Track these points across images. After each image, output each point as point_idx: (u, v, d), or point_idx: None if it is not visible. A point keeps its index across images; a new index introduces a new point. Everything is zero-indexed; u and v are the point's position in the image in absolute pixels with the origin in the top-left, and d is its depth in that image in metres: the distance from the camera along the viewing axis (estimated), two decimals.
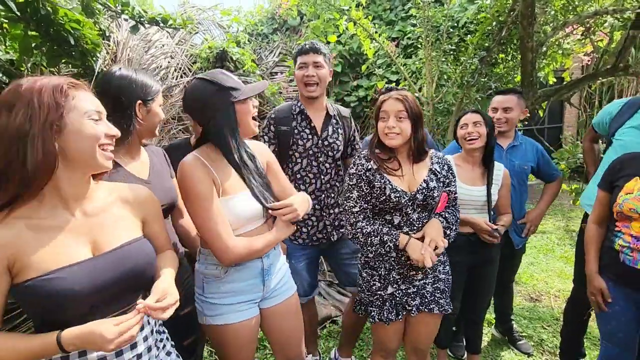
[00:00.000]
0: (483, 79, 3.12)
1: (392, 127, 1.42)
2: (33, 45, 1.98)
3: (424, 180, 1.48)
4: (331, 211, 1.91)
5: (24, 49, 1.95)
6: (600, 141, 2.22)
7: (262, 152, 1.42)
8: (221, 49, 3.38)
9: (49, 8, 1.84)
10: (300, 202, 1.36)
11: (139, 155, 1.38)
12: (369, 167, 1.48)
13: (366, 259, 1.58)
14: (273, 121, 1.89)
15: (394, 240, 1.43)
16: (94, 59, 2.33)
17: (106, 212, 0.94)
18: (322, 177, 1.87)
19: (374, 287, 1.54)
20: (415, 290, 1.53)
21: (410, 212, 1.48)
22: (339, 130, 1.91)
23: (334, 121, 1.90)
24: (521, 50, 2.45)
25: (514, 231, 2.20)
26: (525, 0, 2.19)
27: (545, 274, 3.55)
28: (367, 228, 1.47)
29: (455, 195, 1.57)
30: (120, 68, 1.26)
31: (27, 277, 0.80)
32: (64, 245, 0.85)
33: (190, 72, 3.31)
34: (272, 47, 4.47)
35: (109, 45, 2.68)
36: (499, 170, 1.90)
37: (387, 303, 1.52)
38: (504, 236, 2.12)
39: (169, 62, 3.15)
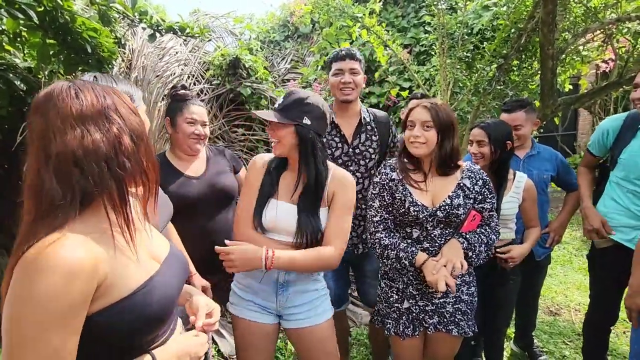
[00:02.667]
0: (500, 87, 3.06)
1: (417, 136, 1.38)
2: (51, 53, 1.99)
3: (449, 196, 1.41)
4: (360, 223, 1.86)
5: (42, 57, 1.96)
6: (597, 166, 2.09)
7: (343, 184, 1.33)
8: (234, 56, 3.38)
9: (67, 17, 1.85)
10: (241, 253, 1.21)
11: None
12: (393, 177, 1.45)
13: (386, 270, 1.55)
14: None
15: (410, 258, 1.38)
16: (110, 66, 2.35)
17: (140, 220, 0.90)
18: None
19: (391, 299, 1.51)
20: (433, 308, 1.47)
21: (430, 228, 1.42)
22: (373, 137, 1.83)
23: (369, 127, 1.83)
24: (541, 57, 2.39)
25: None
26: (546, 7, 2.14)
27: (564, 286, 3.44)
28: (385, 240, 1.43)
29: (491, 213, 1.48)
30: (95, 77, 1.12)
31: (113, 298, 0.70)
32: (136, 255, 0.79)
33: (204, 79, 3.32)
34: (284, 54, 4.47)
35: (124, 53, 2.69)
36: (521, 181, 1.80)
37: (403, 317, 1.48)
38: None
39: (182, 70, 3.16)
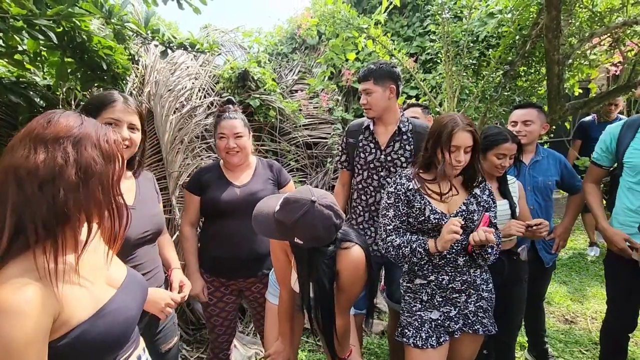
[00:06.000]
0: (506, 93, 3.07)
1: (461, 161, 1.43)
2: (68, 71, 2.08)
3: (464, 203, 1.48)
4: None
5: (60, 75, 2.05)
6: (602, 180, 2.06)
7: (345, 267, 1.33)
8: (243, 69, 3.46)
9: (84, 36, 1.94)
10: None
11: (123, 182, 1.37)
12: (410, 187, 1.50)
13: (408, 284, 1.57)
14: (345, 133, 2.07)
15: (423, 244, 1.43)
16: (124, 82, 2.44)
17: (97, 247, 0.89)
18: (383, 191, 1.89)
19: (414, 309, 1.53)
20: (456, 311, 1.50)
21: None
22: (407, 146, 1.91)
23: (404, 137, 1.91)
24: (547, 63, 2.39)
25: (542, 249, 2.12)
26: (550, 13, 2.16)
27: (580, 294, 3.36)
28: (397, 240, 1.48)
29: (495, 221, 1.55)
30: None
31: (70, 326, 0.72)
32: (89, 285, 0.80)
33: (214, 92, 3.40)
34: (292, 65, 4.55)
35: (137, 69, 2.79)
36: (513, 181, 1.89)
37: (425, 325, 1.49)
38: (532, 254, 2.06)
39: (193, 83, 3.24)
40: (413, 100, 3.87)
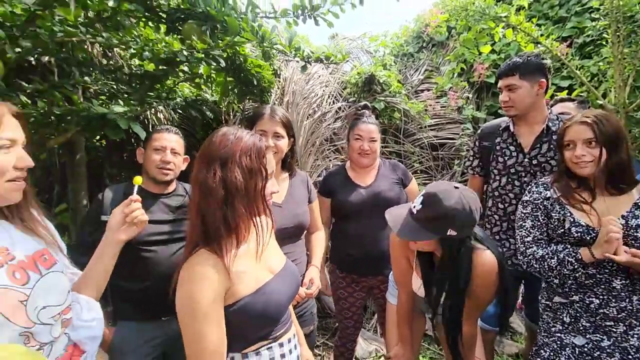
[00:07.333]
0: None
1: (582, 155, 1.27)
2: (229, 87, 2.55)
3: (623, 216, 1.24)
4: None
5: (224, 92, 2.53)
6: None
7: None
8: (369, 73, 3.57)
9: (241, 59, 2.34)
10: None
11: (277, 180, 1.61)
12: (548, 195, 1.37)
13: (547, 302, 1.41)
14: (478, 137, 1.93)
15: (574, 254, 1.25)
16: (269, 94, 2.84)
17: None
18: None
19: (553, 329, 1.36)
20: (611, 343, 1.25)
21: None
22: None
23: (554, 137, 1.68)
24: None
25: None
26: None
27: None
28: (539, 252, 1.33)
29: None
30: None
31: (235, 298, 0.90)
32: (254, 268, 0.98)
33: (341, 97, 3.61)
34: (418, 65, 4.44)
35: (279, 82, 3.20)
36: None
37: (566, 350, 1.30)
38: None
39: (323, 91, 3.52)
40: (564, 94, 3.30)
